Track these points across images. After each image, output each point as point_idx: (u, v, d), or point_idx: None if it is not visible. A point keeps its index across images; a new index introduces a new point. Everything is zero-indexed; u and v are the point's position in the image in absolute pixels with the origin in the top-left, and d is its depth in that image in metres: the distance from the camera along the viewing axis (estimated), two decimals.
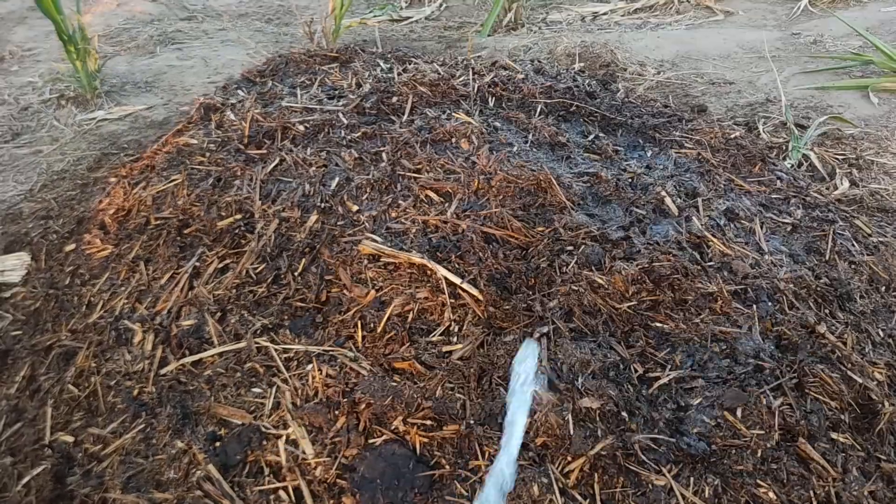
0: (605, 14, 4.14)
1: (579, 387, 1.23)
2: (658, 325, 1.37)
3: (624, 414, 1.22)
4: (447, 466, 1.18)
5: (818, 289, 1.53)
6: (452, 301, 1.37)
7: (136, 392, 1.43)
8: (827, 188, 2.16)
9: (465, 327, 1.34)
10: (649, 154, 1.92)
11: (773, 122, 2.62)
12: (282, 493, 1.20)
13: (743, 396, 1.29)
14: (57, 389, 1.53)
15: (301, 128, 1.85)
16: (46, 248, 1.96)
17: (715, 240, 1.55)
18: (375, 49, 2.58)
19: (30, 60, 3.50)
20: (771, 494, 1.17)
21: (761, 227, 1.67)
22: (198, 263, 1.58)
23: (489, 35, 3.76)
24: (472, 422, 1.22)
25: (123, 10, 4.08)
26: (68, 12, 2.77)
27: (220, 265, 1.56)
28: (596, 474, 1.16)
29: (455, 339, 1.33)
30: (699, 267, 1.47)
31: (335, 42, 3.24)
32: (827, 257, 1.67)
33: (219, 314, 1.48)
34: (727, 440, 1.23)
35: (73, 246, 1.86)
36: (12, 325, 1.79)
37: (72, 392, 1.50)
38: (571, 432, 1.18)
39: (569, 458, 1.17)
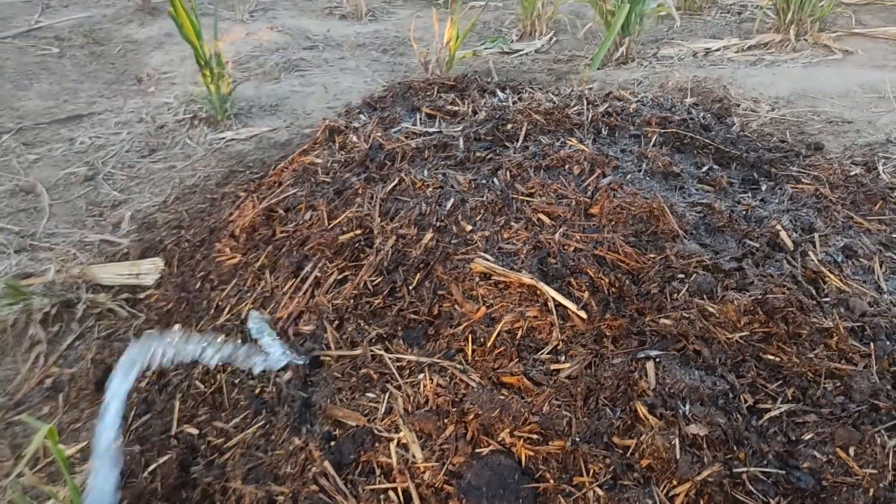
0: (717, 50, 4.10)
1: (687, 413, 1.24)
2: (770, 357, 1.36)
3: (732, 443, 1.22)
4: (551, 481, 1.21)
5: None
6: (561, 322, 1.41)
7: (258, 391, 1.52)
8: None
9: (573, 347, 1.37)
10: (764, 188, 1.91)
11: (894, 162, 2.53)
12: (391, 493, 1.25)
13: (857, 435, 1.26)
14: (185, 385, 1.64)
15: (419, 151, 1.93)
16: (179, 254, 2.11)
17: (832, 276, 1.53)
18: (490, 79, 2.66)
19: (166, 83, 3.78)
20: None
21: (881, 266, 1.63)
22: (319, 274, 1.67)
23: (599, 68, 3.79)
24: (577, 439, 1.24)
25: (252, 40, 4.35)
26: (207, 38, 2.98)
27: (340, 276, 1.65)
28: (702, 500, 1.16)
29: (563, 359, 1.36)
30: (814, 302, 1.45)
31: (449, 72, 3.35)
32: None
33: (337, 322, 1.56)
34: (838, 477, 1.20)
35: (203, 253, 2.00)
36: (145, 324, 1.94)
37: (198, 388, 1.61)
38: (678, 457, 1.19)
39: (674, 482, 1.18)
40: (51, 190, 2.65)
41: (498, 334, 1.41)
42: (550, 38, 4.48)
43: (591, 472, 1.21)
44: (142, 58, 4.20)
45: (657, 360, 1.32)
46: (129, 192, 2.65)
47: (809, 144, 2.55)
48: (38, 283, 2.06)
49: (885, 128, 2.87)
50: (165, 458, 1.49)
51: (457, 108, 2.20)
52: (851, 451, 1.25)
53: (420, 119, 2.15)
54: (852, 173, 2.03)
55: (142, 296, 2.04)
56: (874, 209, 1.89)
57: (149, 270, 2.10)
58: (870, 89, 3.31)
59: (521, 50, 4.25)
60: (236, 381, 1.56)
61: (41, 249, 2.29)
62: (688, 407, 1.25)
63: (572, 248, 1.54)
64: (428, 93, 2.36)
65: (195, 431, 1.53)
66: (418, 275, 1.58)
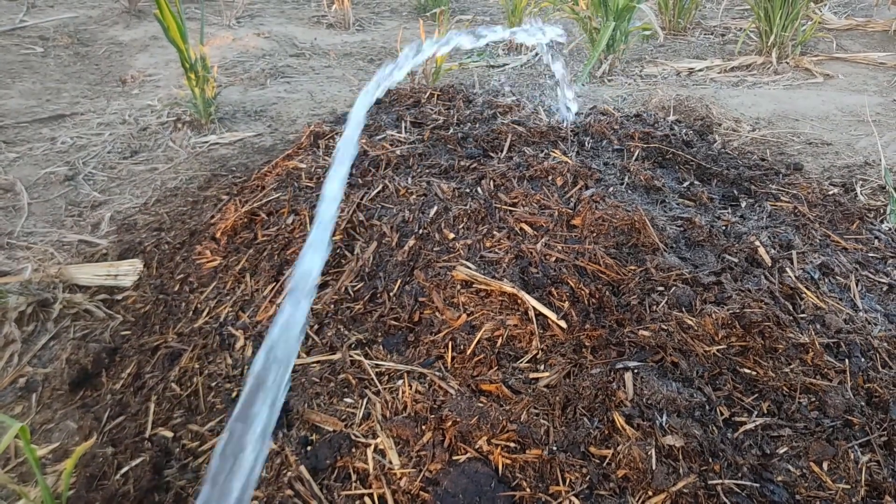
0: (700, 70, 4.16)
1: (664, 424, 1.25)
2: (746, 370, 1.37)
3: (707, 455, 1.23)
4: (528, 489, 1.21)
5: None
6: (541, 331, 1.41)
7: (234, 394, 1.51)
8: None
9: (552, 357, 1.38)
10: (744, 205, 1.93)
11: (872, 185, 2.57)
12: (367, 499, 1.24)
13: (831, 450, 1.27)
14: (161, 387, 1.62)
15: (403, 158, 1.94)
16: (158, 256, 2.09)
17: (808, 292, 1.55)
18: (476, 90, 2.68)
19: (150, 85, 3.76)
20: None
21: (857, 285, 1.65)
22: None
23: (583, 85, 3.83)
24: (554, 448, 1.24)
25: (238, 45, 4.34)
26: (192, 42, 2.97)
27: (321, 281, 1.64)
28: None
29: (542, 367, 1.36)
30: (791, 317, 1.47)
31: (435, 83, 3.37)
32: None
33: (316, 327, 1.56)
34: (812, 491, 1.21)
35: (183, 256, 1.99)
36: (122, 326, 1.91)
37: (174, 390, 1.59)
38: (654, 467, 1.19)
39: (650, 493, 1.18)
40: (30, 189, 2.62)
41: (478, 342, 1.41)
42: (536, 55, 4.51)
43: (568, 481, 1.21)
44: (126, 60, 4.17)
45: (635, 370, 1.33)
46: (109, 192, 2.63)
47: (789, 164, 2.59)
48: (14, 281, 2.03)
49: (863, 150, 2.92)
50: (138, 460, 1.47)
51: (443, 118, 2.20)
52: (825, 465, 1.26)
53: (405, 127, 2.16)
54: (830, 193, 2.06)
55: (119, 297, 2.02)
56: (851, 228, 1.91)
57: (127, 272, 2.08)
58: (849, 113, 3.37)
59: (507, 64, 4.27)
60: (213, 384, 1.55)
61: (19, 248, 2.26)
62: (665, 418, 1.25)
63: (554, 259, 1.54)
64: (414, 102, 2.37)
65: (170, 434, 1.51)
66: (399, 281, 1.58)
